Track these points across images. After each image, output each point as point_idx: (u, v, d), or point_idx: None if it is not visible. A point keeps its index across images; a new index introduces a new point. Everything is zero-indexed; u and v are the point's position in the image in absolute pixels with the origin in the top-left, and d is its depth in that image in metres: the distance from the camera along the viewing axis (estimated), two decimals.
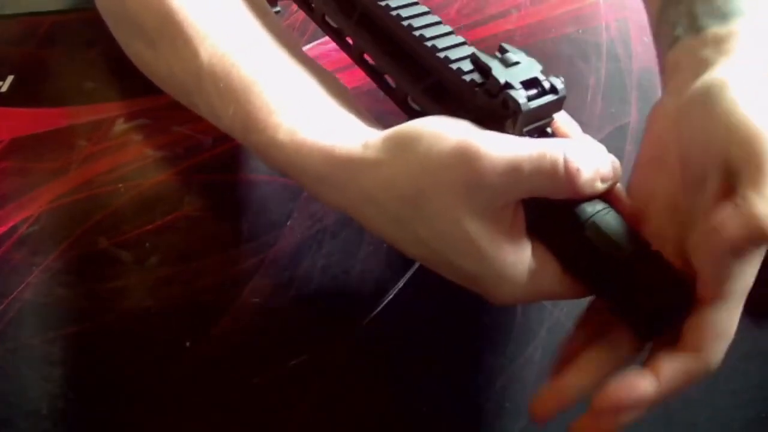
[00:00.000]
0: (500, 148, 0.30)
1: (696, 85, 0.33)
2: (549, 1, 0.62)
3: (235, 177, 0.50)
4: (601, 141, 0.34)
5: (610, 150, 0.33)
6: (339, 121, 0.36)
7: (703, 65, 0.34)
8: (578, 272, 0.33)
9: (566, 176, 0.30)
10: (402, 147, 0.32)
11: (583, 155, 0.31)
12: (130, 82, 0.52)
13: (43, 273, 0.45)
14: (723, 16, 0.35)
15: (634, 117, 0.54)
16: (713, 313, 0.30)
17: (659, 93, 0.38)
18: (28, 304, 0.44)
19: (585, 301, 0.34)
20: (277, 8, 0.51)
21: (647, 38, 0.59)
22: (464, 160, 0.30)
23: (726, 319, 0.30)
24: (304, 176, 0.35)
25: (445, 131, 0.31)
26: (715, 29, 0.35)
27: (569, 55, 0.58)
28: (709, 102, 0.32)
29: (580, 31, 0.60)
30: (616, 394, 0.29)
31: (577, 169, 0.30)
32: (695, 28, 0.36)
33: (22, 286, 0.44)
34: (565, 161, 0.30)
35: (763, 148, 0.29)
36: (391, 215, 0.32)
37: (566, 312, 0.44)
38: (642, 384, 0.30)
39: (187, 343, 0.43)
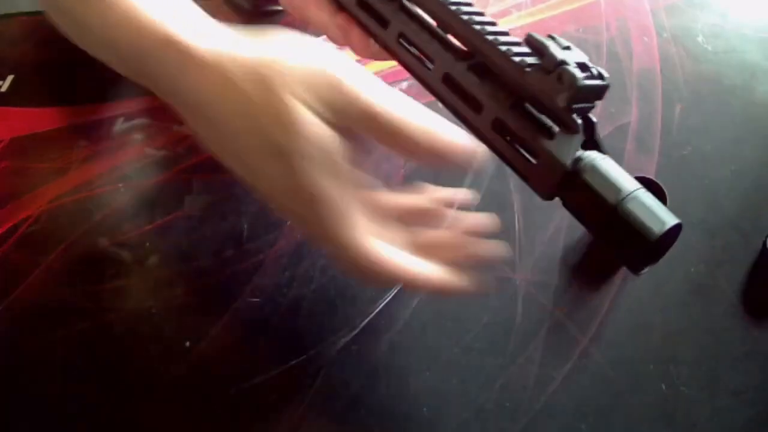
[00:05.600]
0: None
1: None
2: (549, 1, 0.62)
3: (235, 177, 0.50)
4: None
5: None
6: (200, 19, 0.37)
7: None
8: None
9: None
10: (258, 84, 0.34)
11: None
12: (130, 82, 0.52)
13: (43, 273, 0.45)
14: None
15: (634, 117, 0.54)
16: None
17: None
18: (28, 304, 0.44)
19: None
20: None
21: (647, 38, 0.59)
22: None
23: None
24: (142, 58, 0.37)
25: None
26: None
27: None
28: None
29: (581, 31, 0.60)
30: None
31: None
32: None
33: (22, 286, 0.44)
34: None
35: None
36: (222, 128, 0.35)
37: (566, 312, 0.44)
38: None
39: (187, 343, 0.43)
